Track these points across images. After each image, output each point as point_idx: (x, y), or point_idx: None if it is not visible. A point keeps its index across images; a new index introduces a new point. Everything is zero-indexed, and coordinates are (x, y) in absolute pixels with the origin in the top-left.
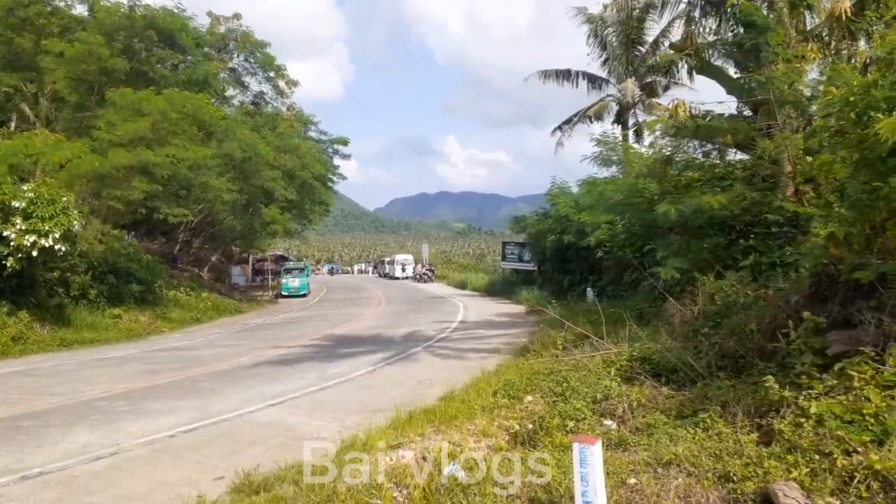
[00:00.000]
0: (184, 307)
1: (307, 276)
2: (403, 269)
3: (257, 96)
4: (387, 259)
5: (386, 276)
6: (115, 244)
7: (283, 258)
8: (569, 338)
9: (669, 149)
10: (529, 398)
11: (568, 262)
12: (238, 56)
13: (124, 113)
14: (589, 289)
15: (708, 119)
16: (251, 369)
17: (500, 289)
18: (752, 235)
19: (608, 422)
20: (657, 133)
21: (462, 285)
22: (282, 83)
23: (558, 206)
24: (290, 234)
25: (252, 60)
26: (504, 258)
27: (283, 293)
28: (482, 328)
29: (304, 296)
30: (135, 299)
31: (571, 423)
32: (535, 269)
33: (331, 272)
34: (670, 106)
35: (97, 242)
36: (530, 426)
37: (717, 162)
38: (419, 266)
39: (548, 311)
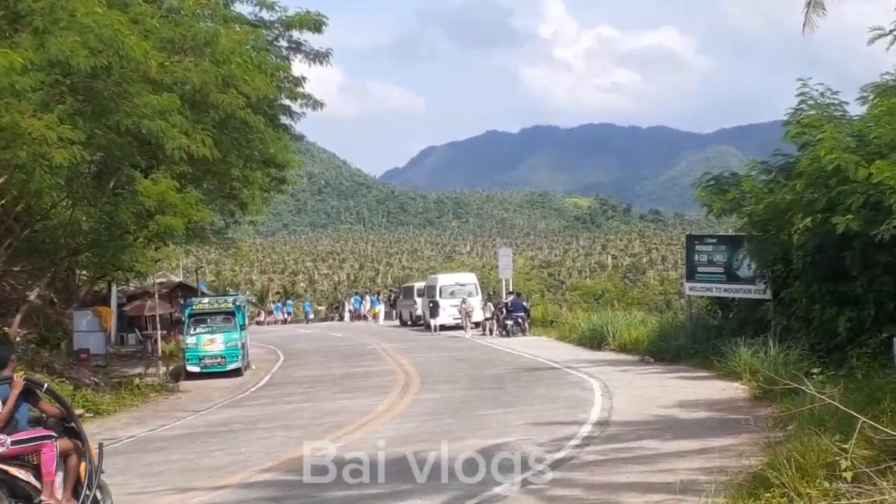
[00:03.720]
0: None
1: (241, 326)
2: (450, 305)
3: None
4: (417, 286)
5: (416, 321)
6: None
7: (185, 289)
8: (863, 453)
9: None
10: None
11: (846, 280)
12: None
13: None
14: None
15: None
16: None
17: (684, 345)
18: None
19: None
20: None
21: (595, 340)
22: None
23: (817, 149)
24: (200, 237)
25: None
26: (691, 275)
27: (191, 366)
28: (650, 437)
29: (237, 372)
30: None
31: None
32: (768, 295)
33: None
34: None
35: None
36: None
37: None
38: (491, 300)
39: (806, 389)
